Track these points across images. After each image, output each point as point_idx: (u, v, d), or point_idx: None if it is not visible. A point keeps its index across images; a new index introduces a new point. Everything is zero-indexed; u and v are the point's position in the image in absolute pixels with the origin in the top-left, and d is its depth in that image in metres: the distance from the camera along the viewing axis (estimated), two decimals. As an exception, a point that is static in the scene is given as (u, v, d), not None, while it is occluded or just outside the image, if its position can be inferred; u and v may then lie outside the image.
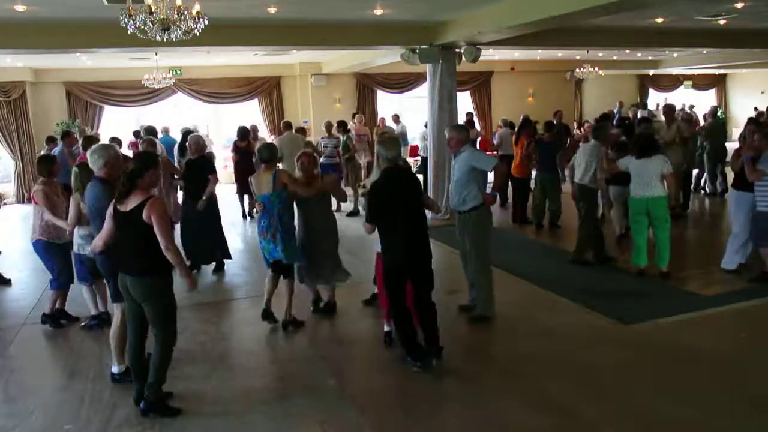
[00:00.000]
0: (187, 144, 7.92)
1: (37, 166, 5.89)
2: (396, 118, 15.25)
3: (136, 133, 12.85)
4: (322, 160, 10.99)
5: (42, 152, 11.25)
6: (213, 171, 7.55)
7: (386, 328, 5.18)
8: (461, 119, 12.11)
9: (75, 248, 5.35)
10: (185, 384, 4.46)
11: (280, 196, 5.37)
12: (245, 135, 10.96)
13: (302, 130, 11.39)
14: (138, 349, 4.12)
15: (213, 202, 7.56)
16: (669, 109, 10.08)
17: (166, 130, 12.86)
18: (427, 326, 4.73)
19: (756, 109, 17.35)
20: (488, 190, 5.55)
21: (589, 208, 7.23)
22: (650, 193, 6.45)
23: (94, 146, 4.61)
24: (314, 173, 5.76)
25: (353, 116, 14.83)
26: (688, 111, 17.34)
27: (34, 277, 7.50)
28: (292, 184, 5.40)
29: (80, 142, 10.81)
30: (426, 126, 10.98)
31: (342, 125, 11.47)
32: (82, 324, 5.71)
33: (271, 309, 5.61)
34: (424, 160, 11.19)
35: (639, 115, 13.89)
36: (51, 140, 11.37)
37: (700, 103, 20.81)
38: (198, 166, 7.47)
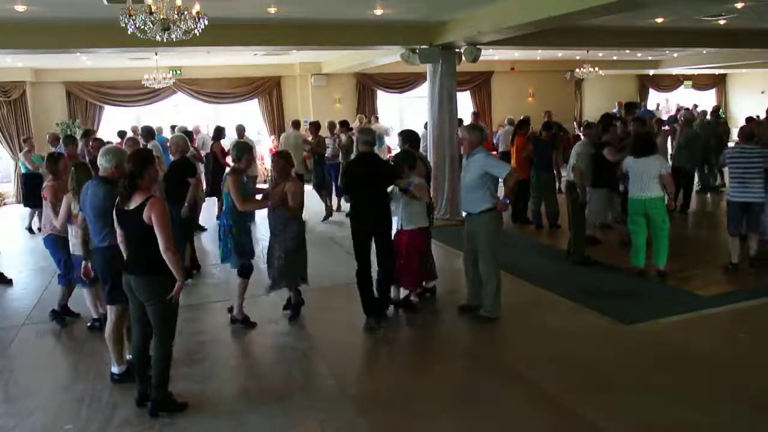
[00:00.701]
0: (167, 144, 7.69)
1: (45, 164, 6.05)
2: (375, 119, 15.52)
3: (121, 134, 12.79)
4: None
5: (21, 154, 11.42)
6: (193, 174, 7.06)
7: (412, 298, 5.96)
8: (464, 119, 12.09)
9: (71, 249, 5.35)
10: (185, 384, 4.46)
11: (225, 199, 5.45)
12: (216, 135, 10.90)
13: (316, 125, 11.19)
14: (142, 351, 4.12)
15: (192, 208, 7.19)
16: (629, 105, 10.86)
17: (160, 130, 12.81)
18: (386, 271, 5.57)
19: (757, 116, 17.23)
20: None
21: (575, 205, 7.25)
22: (648, 194, 6.46)
23: (106, 147, 4.71)
24: (284, 175, 5.62)
25: (356, 117, 14.93)
26: (690, 110, 17.29)
27: (35, 277, 7.51)
28: (232, 192, 5.29)
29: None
30: (425, 127, 10.98)
31: (344, 125, 11.50)
32: (88, 324, 5.73)
33: (243, 310, 5.77)
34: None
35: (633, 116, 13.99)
36: (26, 141, 11.30)
37: (701, 102, 20.78)
38: (179, 167, 7.11)
